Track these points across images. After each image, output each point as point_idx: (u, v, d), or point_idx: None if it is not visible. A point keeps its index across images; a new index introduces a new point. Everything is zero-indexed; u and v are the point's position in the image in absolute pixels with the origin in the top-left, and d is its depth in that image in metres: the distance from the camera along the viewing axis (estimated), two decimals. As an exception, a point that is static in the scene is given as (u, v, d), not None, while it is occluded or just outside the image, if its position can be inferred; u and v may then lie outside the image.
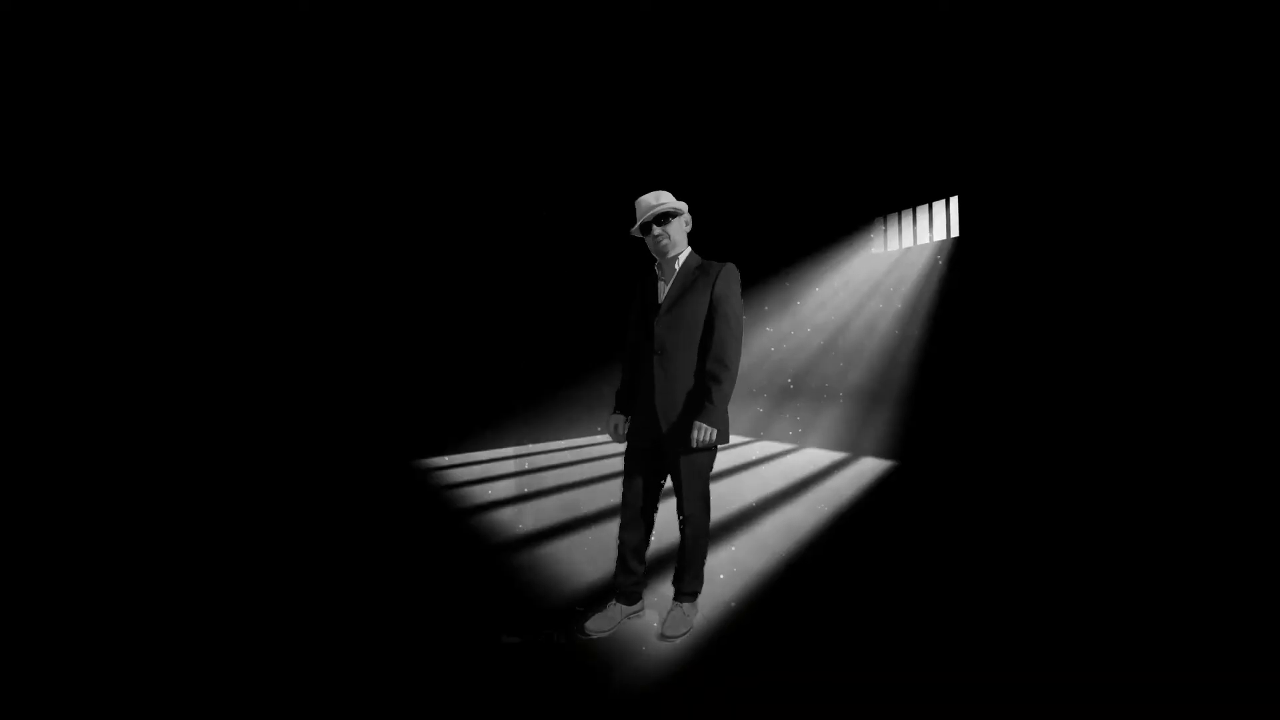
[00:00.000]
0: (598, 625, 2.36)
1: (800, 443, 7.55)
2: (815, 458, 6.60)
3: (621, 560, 2.43)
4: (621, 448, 7.17)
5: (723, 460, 6.47)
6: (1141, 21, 4.41)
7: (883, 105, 6.57)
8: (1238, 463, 3.92)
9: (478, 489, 5.07)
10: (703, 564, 2.42)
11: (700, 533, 2.34)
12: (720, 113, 7.03)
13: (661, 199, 2.24)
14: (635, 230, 2.29)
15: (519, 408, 7.61)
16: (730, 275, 2.21)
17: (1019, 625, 2.39)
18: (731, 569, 3.08)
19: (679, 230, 2.26)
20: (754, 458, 6.67)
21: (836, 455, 6.70)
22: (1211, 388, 4.08)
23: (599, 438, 8.18)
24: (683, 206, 2.27)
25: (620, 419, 2.46)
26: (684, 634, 2.32)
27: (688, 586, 2.39)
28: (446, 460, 6.67)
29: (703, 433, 2.13)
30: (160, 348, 5.39)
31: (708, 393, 2.14)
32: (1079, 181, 4.97)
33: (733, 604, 2.62)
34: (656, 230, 2.23)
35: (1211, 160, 4.12)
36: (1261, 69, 3.84)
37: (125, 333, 5.25)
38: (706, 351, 2.20)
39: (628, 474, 2.39)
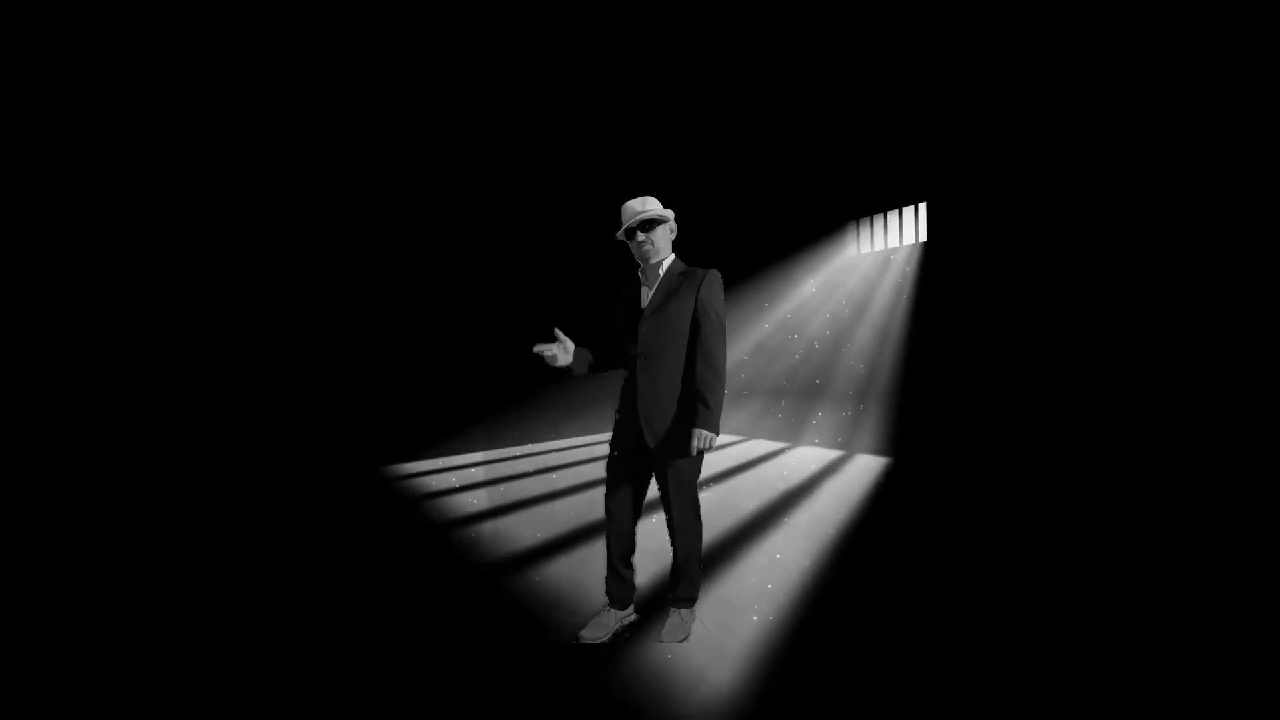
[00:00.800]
0: (593, 633, 2.30)
1: (793, 441, 7.51)
2: (811, 456, 6.54)
3: (611, 567, 2.39)
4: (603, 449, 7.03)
5: (721, 461, 6.35)
6: (1099, 39, 4.57)
7: (855, 116, 6.67)
8: (1207, 447, 4.04)
9: (459, 499, 4.77)
10: (698, 569, 2.37)
11: (692, 538, 2.30)
12: (701, 122, 7.00)
13: (648, 205, 2.22)
14: (620, 234, 2.27)
15: (499, 409, 7.27)
16: (714, 281, 2.21)
17: (1044, 624, 2.41)
18: (767, 577, 2.99)
19: (663, 237, 2.25)
20: (751, 458, 6.58)
21: (831, 454, 6.66)
22: (1187, 376, 4.22)
23: (582, 439, 7.92)
24: (668, 214, 2.25)
25: (564, 348, 2.26)
26: (682, 640, 2.27)
27: (684, 592, 2.35)
28: (419, 467, 6.22)
29: (703, 439, 2.12)
30: (100, 346, 4.94)
31: (703, 399, 2.12)
32: (1039, 187, 5.15)
33: (762, 616, 2.55)
34: (641, 236, 2.21)
35: (1163, 161, 4.30)
36: (1212, 77, 4.02)
37: (70, 331, 4.83)
38: (693, 357, 2.19)
39: (611, 479, 2.35)
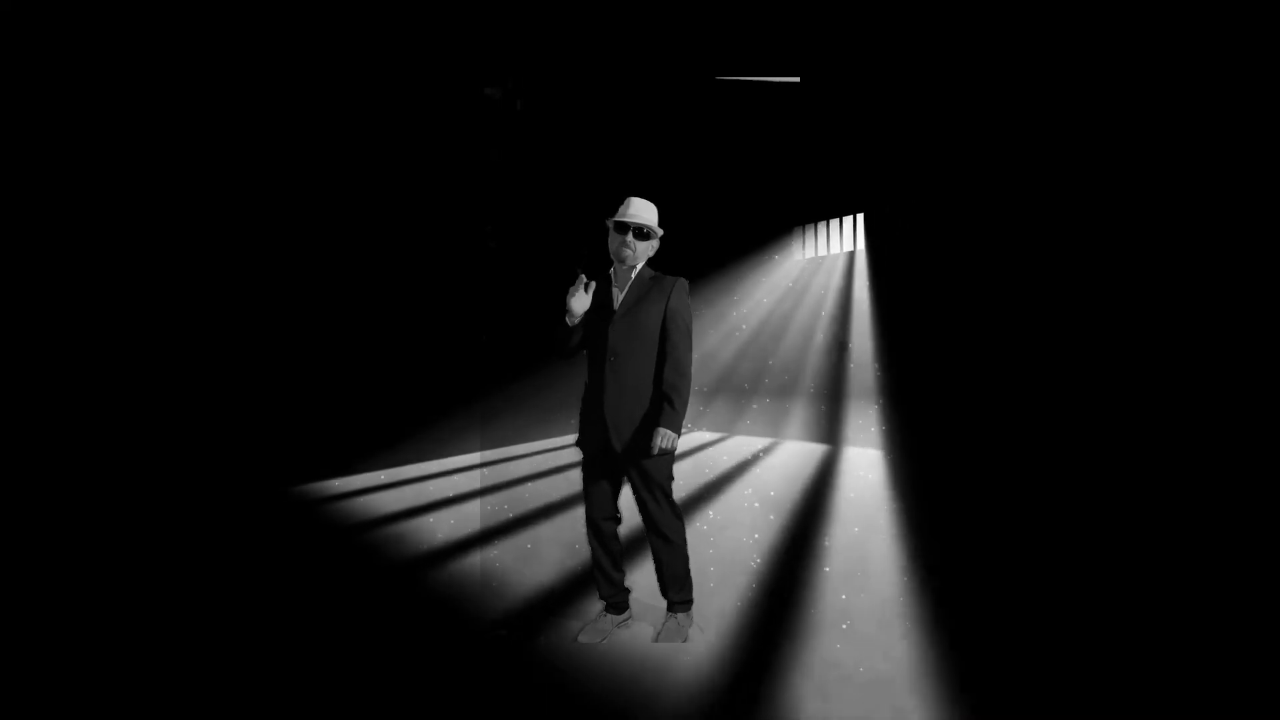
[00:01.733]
0: (589, 637, 2.27)
1: (777, 436, 7.51)
2: (802, 451, 6.56)
3: (601, 572, 2.36)
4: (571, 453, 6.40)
5: (715, 461, 6.14)
6: (1023, 60, 4.91)
7: (801, 132, 6.87)
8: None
9: (421, 526, 3.83)
10: (688, 570, 2.35)
11: (675, 540, 2.28)
12: (657, 128, 6.94)
13: (651, 217, 2.27)
14: (611, 222, 2.26)
15: (448, 412, 6.23)
16: (683, 289, 2.28)
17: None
18: (767, 576, 2.92)
19: (646, 251, 2.30)
20: (745, 455, 6.46)
21: (819, 447, 6.72)
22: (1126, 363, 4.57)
23: (543, 443, 7.17)
24: (659, 233, 2.30)
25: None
26: (680, 642, 2.27)
27: (678, 596, 2.34)
28: (349, 484, 4.86)
29: (666, 439, 2.13)
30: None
31: (669, 400, 2.17)
32: (964, 201, 5.53)
33: (763, 618, 2.53)
34: (630, 239, 2.24)
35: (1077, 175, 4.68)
36: (1138, 85, 4.38)
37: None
38: (662, 360, 2.23)
39: (586, 484, 2.34)
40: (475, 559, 3.28)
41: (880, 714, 1.85)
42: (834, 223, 7.15)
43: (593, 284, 2.27)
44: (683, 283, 2.29)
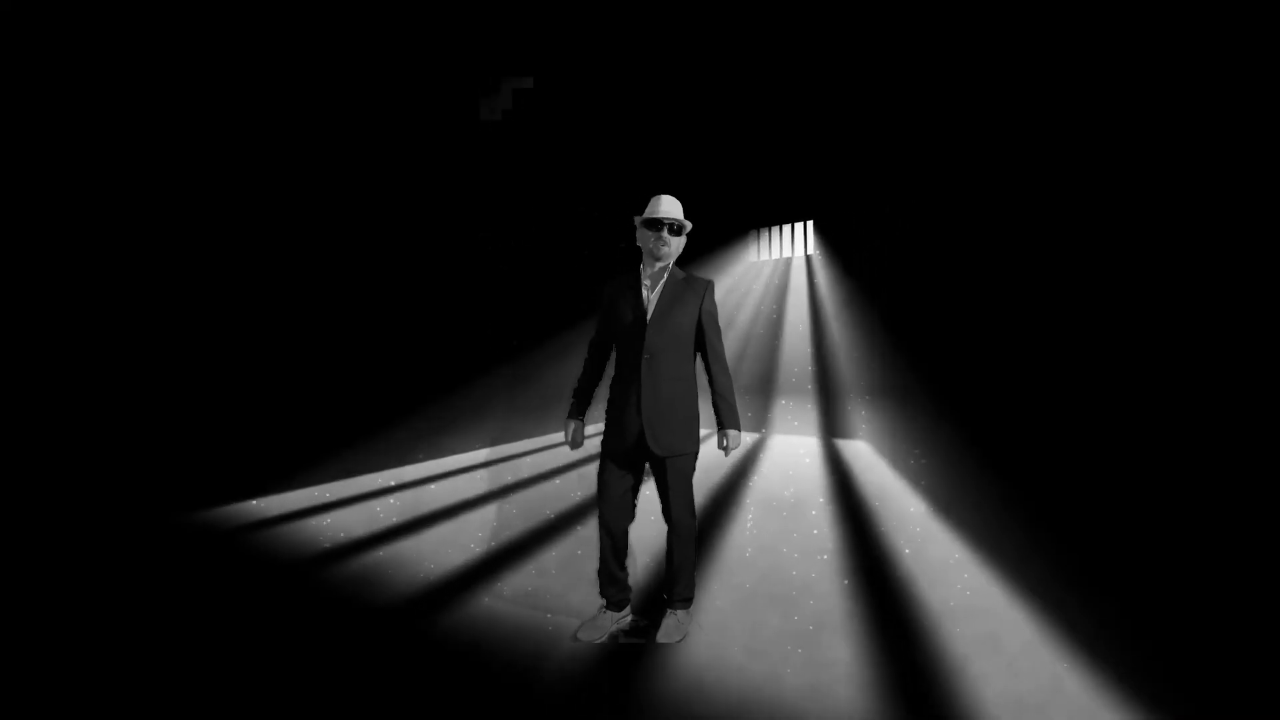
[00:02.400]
0: (589, 634, 2.23)
1: (765, 431, 7.54)
2: (796, 445, 6.59)
3: (605, 569, 2.32)
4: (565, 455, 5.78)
5: (716, 458, 5.92)
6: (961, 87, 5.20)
7: (759, 142, 6.99)
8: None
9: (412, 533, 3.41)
10: (694, 569, 2.37)
11: (690, 536, 2.31)
12: (628, 130, 6.84)
13: (680, 213, 2.30)
14: (641, 220, 2.26)
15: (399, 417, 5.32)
16: (713, 290, 2.36)
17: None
18: (766, 573, 2.88)
19: (679, 246, 2.33)
20: (742, 452, 6.33)
21: (808, 439, 6.82)
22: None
23: (543, 439, 6.72)
24: (688, 226, 2.32)
25: (578, 424, 2.42)
26: (679, 640, 2.29)
27: (681, 593, 2.34)
28: (267, 508, 3.89)
29: (735, 439, 2.27)
30: None
31: (729, 402, 2.29)
32: (905, 209, 5.82)
33: (844, 621, 2.58)
34: (666, 235, 2.25)
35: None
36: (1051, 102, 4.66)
37: None
38: (693, 360, 2.31)
39: (603, 480, 2.30)
40: (472, 559, 3.14)
41: (876, 714, 1.87)
42: (787, 227, 7.37)
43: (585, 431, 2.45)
44: (713, 285, 2.37)
